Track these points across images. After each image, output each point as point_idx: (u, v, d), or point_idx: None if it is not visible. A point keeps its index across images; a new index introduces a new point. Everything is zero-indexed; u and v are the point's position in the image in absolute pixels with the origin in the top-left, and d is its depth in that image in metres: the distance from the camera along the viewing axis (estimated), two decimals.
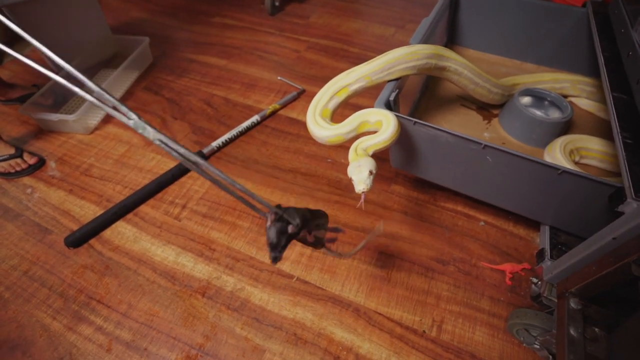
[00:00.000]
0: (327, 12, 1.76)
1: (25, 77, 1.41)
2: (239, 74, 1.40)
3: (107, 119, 1.22)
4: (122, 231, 0.92)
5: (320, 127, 0.72)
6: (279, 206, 0.46)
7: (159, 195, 0.99)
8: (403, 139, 0.76)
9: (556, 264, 0.62)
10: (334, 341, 0.73)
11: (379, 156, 1.06)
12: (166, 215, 0.95)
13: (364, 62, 0.77)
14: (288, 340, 0.73)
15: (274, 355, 0.71)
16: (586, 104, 1.03)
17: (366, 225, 0.91)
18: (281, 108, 1.24)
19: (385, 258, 0.85)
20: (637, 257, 0.44)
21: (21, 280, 0.83)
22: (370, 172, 0.60)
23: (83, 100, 1.24)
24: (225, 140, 1.11)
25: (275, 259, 0.45)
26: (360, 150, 0.66)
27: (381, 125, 0.68)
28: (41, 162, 1.08)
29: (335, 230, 0.59)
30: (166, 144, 0.41)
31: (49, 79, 0.37)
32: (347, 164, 0.65)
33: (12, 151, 1.05)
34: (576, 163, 0.86)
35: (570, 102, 1.02)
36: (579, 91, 1.04)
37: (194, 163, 0.42)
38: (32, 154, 1.08)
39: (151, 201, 0.98)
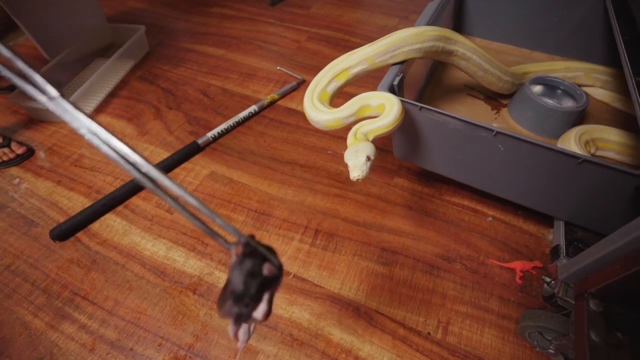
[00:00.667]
0: (329, 3, 1.70)
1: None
2: (237, 63, 1.35)
3: (100, 109, 1.18)
4: (111, 224, 0.87)
5: (317, 111, 0.67)
6: (252, 237, 0.30)
7: None
8: (407, 126, 0.71)
9: (573, 262, 0.57)
10: (333, 343, 0.68)
11: (382, 147, 1.02)
12: (158, 207, 0.90)
13: None
14: (283, 342, 0.68)
15: (267, 357, 0.67)
16: (601, 94, 0.98)
17: (367, 219, 0.86)
18: (280, 98, 1.19)
19: (388, 254, 0.80)
20: None
21: (3, 275, 0.79)
22: (368, 158, 0.56)
23: (75, 89, 1.20)
24: (222, 131, 1.06)
25: (239, 318, 0.28)
26: (360, 134, 0.60)
27: (384, 109, 0.63)
28: (30, 152, 1.04)
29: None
30: (105, 142, 0.25)
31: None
32: None
33: None
34: (592, 155, 0.81)
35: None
36: (593, 80, 0.99)
37: (134, 166, 0.26)
38: (20, 143, 1.04)
39: (142, 193, 0.93)
